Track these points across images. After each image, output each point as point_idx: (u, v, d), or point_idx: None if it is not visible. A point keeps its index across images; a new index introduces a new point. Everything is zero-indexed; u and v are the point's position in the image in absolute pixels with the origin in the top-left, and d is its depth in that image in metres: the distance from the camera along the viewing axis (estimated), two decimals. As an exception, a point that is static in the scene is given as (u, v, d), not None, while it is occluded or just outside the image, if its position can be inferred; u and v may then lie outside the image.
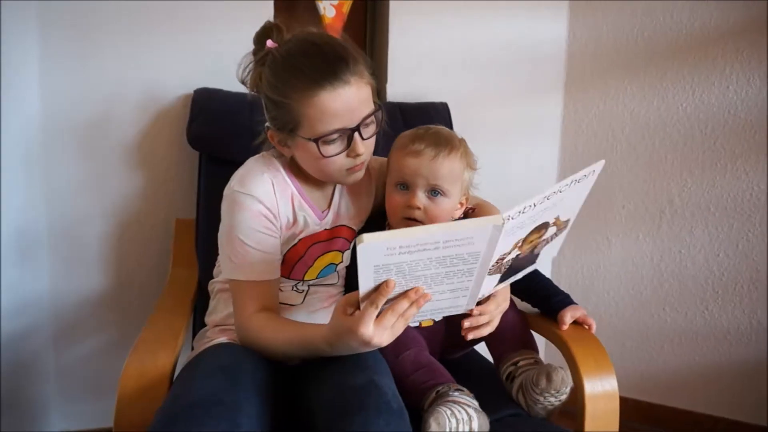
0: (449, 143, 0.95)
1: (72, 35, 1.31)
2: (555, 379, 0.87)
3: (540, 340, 1.04)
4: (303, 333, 0.86)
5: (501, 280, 0.86)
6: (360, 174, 0.94)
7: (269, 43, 0.90)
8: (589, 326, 0.99)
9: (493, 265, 0.77)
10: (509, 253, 0.79)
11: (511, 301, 1.02)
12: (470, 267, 0.74)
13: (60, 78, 1.32)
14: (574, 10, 1.64)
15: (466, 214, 1.03)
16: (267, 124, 0.93)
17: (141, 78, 1.37)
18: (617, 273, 1.69)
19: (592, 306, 1.71)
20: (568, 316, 0.98)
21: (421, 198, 0.93)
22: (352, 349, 0.79)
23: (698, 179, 1.57)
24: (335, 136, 0.87)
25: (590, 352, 0.95)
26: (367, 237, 0.66)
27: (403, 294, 0.74)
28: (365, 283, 0.71)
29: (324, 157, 0.88)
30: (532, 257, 0.87)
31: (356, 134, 0.87)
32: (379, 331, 0.74)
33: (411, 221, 0.94)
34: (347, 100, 0.85)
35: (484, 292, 0.83)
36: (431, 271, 0.72)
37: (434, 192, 0.93)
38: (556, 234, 0.87)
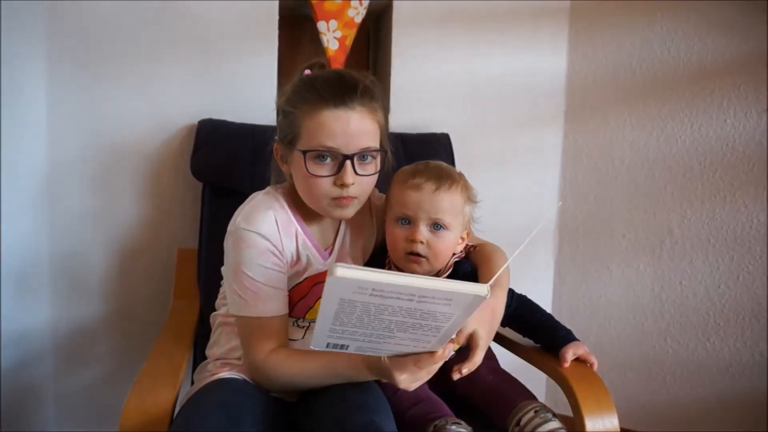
0: (450, 177, 0.96)
1: (79, 65, 1.34)
2: None
3: (541, 376, 1.04)
4: (332, 364, 0.86)
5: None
6: (348, 211, 0.93)
7: (306, 71, 0.95)
8: (591, 364, 0.98)
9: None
10: None
11: (494, 364, 1.03)
12: (439, 325, 0.71)
13: (66, 108, 1.34)
14: (573, 43, 1.67)
15: (468, 253, 1.04)
16: (276, 137, 0.97)
17: (146, 108, 1.38)
18: (618, 302, 1.69)
19: (593, 336, 1.71)
20: (570, 353, 0.98)
21: (423, 232, 0.94)
22: (378, 377, 0.84)
23: (698, 211, 1.58)
24: (325, 154, 0.88)
25: (591, 389, 0.94)
26: (340, 270, 0.63)
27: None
28: (325, 311, 0.70)
29: (310, 174, 0.88)
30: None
31: (347, 162, 0.88)
32: (410, 381, 0.80)
33: (414, 256, 0.94)
34: (346, 124, 0.87)
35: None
36: (397, 318, 0.70)
37: (436, 226, 0.94)
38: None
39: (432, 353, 0.76)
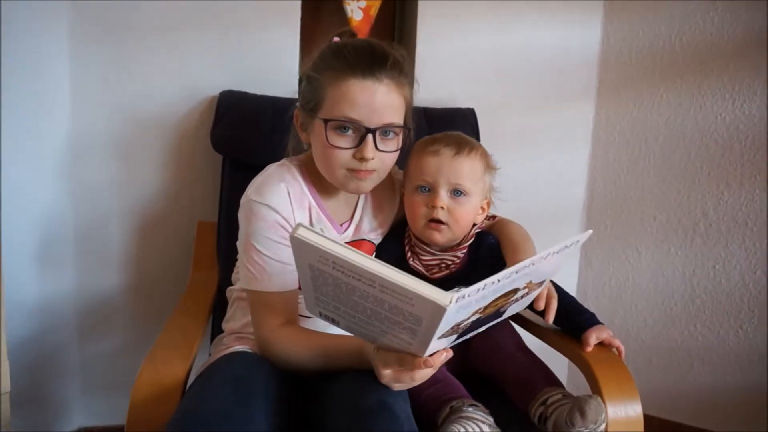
0: (469, 143, 0.96)
1: (102, 37, 1.33)
2: (589, 413, 0.81)
3: (562, 360, 1.00)
4: (336, 346, 0.86)
5: (458, 338, 0.79)
6: (364, 184, 0.91)
7: (335, 39, 0.92)
8: (617, 348, 0.95)
9: (446, 331, 0.70)
10: (467, 319, 0.72)
11: (522, 342, 1.00)
12: (412, 327, 0.68)
13: (89, 80, 1.34)
14: (609, 13, 1.59)
15: (491, 226, 1.02)
16: (297, 103, 0.94)
17: (168, 80, 1.37)
18: (646, 286, 1.63)
19: (619, 320, 1.66)
20: (593, 337, 0.94)
21: (443, 197, 0.93)
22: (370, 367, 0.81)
23: (736, 192, 1.50)
24: (347, 125, 0.85)
25: (614, 375, 0.91)
26: (302, 230, 0.63)
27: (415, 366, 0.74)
28: (302, 275, 0.70)
29: (330, 145, 0.86)
30: (497, 314, 0.81)
31: (369, 136, 0.86)
32: (392, 379, 0.77)
33: (434, 223, 0.94)
34: (371, 96, 0.84)
35: (437, 348, 0.74)
36: (369, 305, 0.67)
37: (456, 192, 0.94)
38: (527, 293, 0.81)
39: (415, 357, 0.74)
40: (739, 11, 1.46)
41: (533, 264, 0.68)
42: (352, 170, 0.88)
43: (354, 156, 0.87)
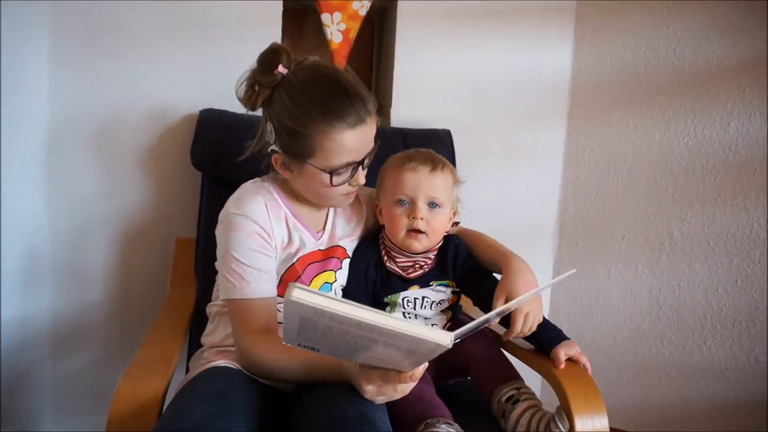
0: (440, 160, 1.06)
1: (82, 52, 1.34)
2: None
3: (537, 375, 1.04)
4: (314, 358, 0.86)
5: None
6: (352, 197, 1.02)
7: (280, 68, 0.92)
8: (584, 366, 0.99)
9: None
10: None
11: (492, 337, 1.08)
12: (407, 355, 0.72)
13: (68, 94, 1.34)
14: (579, 42, 1.66)
15: (456, 232, 1.13)
16: (273, 147, 0.96)
17: (148, 96, 1.39)
18: (616, 303, 1.69)
19: (589, 336, 1.71)
20: (562, 353, 0.98)
21: (423, 209, 1.01)
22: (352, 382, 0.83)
23: (698, 213, 1.57)
24: (346, 168, 0.93)
25: (582, 389, 0.94)
26: (297, 291, 0.62)
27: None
28: (288, 323, 0.70)
29: (332, 186, 0.94)
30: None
31: (360, 167, 0.95)
32: (375, 394, 0.80)
33: (414, 233, 1.02)
34: (363, 138, 0.92)
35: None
36: (363, 343, 0.70)
37: (432, 204, 1.03)
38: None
39: (399, 373, 0.77)
40: (699, 43, 1.54)
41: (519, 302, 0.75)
42: (346, 195, 0.99)
43: (350, 184, 0.97)
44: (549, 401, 0.97)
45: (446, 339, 0.66)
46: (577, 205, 1.70)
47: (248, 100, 0.95)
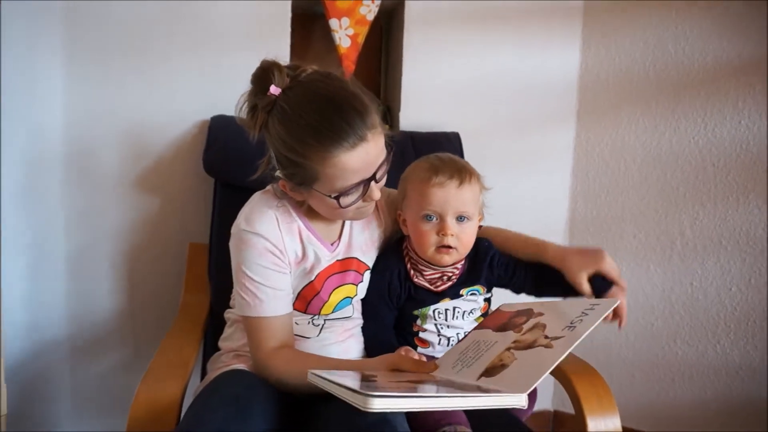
0: (467, 170, 1.00)
1: (95, 61, 1.36)
2: None
3: (548, 377, 1.04)
4: (341, 366, 0.88)
5: None
6: (371, 210, 0.97)
7: (272, 89, 0.87)
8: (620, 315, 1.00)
9: None
10: None
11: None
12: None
13: (82, 103, 1.37)
14: (587, 42, 1.66)
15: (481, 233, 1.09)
16: (278, 173, 0.92)
17: (160, 104, 1.41)
18: (628, 303, 1.61)
19: (601, 335, 1.70)
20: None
21: (452, 226, 0.98)
22: None
23: (710, 212, 1.56)
24: (356, 188, 0.88)
25: (594, 389, 0.95)
26: (378, 402, 0.63)
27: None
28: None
29: (341, 206, 0.89)
30: None
31: (372, 183, 0.89)
32: None
33: (444, 248, 0.98)
34: (365, 156, 0.85)
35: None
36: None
37: (461, 218, 0.99)
38: None
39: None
40: (709, 41, 1.53)
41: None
42: (364, 209, 0.93)
43: (364, 200, 0.91)
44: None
45: (521, 400, 0.68)
46: (588, 205, 1.70)
47: (251, 122, 0.90)
